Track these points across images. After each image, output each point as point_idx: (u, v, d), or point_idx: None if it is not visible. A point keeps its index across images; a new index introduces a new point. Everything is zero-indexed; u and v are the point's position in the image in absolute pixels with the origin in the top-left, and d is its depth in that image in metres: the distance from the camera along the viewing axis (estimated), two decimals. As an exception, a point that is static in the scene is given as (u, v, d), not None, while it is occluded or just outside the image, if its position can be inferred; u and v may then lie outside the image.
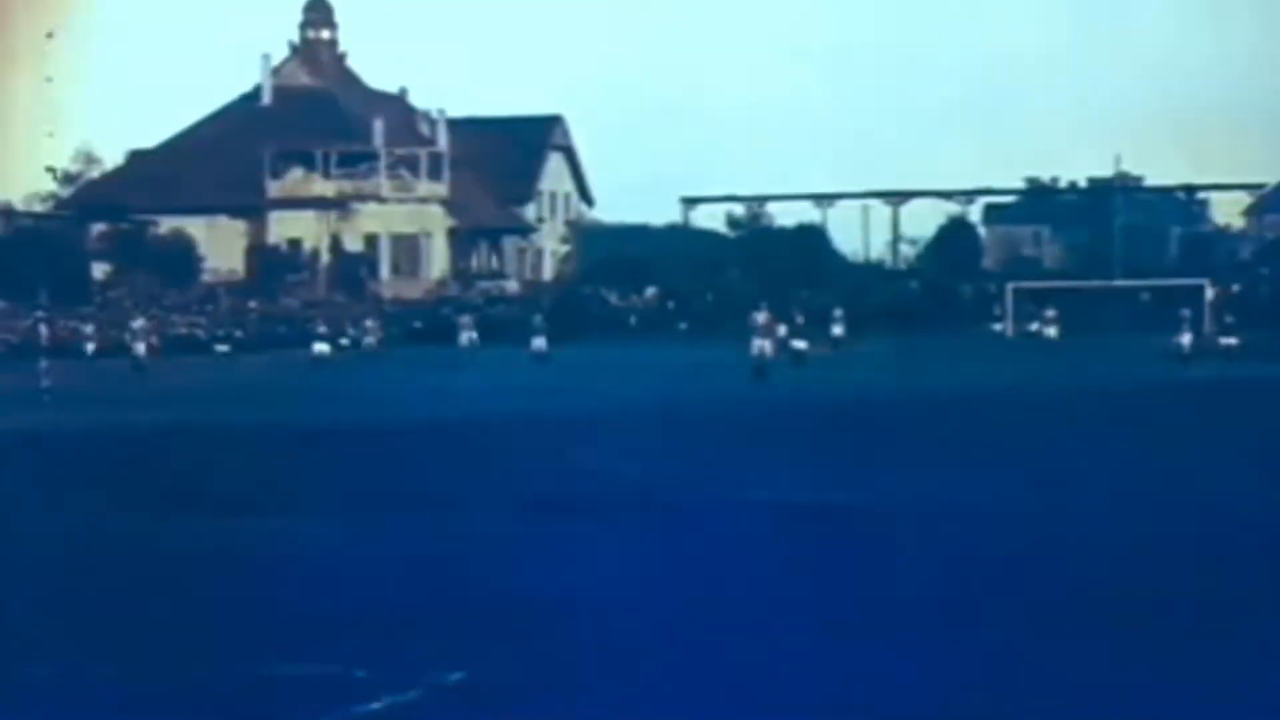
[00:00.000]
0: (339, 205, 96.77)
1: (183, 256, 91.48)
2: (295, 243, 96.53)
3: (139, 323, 66.13)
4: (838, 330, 69.23)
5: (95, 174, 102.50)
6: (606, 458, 26.83)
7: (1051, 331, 70.10)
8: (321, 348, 65.25)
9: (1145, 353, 54.86)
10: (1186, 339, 55.53)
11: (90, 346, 70.68)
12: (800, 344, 56.96)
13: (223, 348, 78.33)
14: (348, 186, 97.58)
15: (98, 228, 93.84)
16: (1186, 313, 57.50)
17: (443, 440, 31.30)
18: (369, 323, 75.80)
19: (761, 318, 52.29)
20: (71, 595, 15.39)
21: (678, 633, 13.49)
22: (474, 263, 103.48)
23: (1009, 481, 23.16)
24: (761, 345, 50.14)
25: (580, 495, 22.07)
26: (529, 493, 22.30)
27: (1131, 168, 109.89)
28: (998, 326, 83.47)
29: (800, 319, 60.13)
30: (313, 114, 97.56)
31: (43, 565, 17.14)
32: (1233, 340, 58.82)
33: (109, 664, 12.63)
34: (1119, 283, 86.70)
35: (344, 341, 72.71)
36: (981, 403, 39.29)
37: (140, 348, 61.16)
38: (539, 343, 61.55)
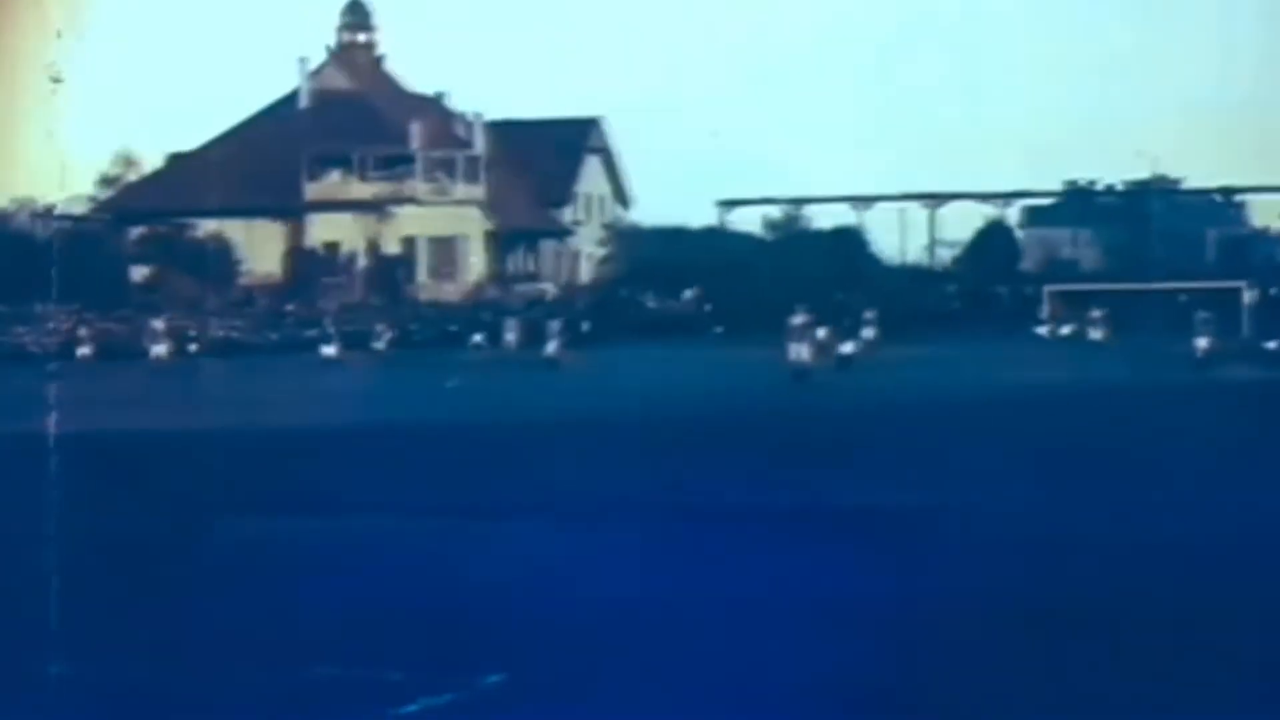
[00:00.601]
0: (376, 208, 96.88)
1: (220, 259, 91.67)
2: (332, 245, 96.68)
3: (158, 324, 65.74)
4: (870, 333, 68.92)
5: (134, 177, 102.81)
6: (638, 464, 26.76)
7: (1097, 334, 69.67)
8: (330, 350, 65.49)
9: (1184, 355, 54.55)
10: (1203, 342, 54.81)
11: (84, 350, 69.80)
12: (847, 348, 56.62)
13: (191, 346, 77.99)
14: (385, 189, 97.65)
15: (136, 230, 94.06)
16: (1205, 315, 56.85)
17: (458, 445, 31.32)
18: (380, 326, 76.01)
19: (799, 320, 51.97)
20: (106, 596, 15.37)
21: (717, 639, 13.42)
22: (511, 266, 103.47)
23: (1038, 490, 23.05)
24: (800, 349, 49.64)
25: (613, 500, 22.03)
26: (555, 499, 22.27)
27: (1169, 170, 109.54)
28: (1040, 329, 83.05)
29: (838, 324, 59.83)
30: (350, 117, 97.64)
31: (69, 567, 17.12)
32: (1272, 344, 58.54)
33: (143, 664, 12.61)
34: (1157, 285, 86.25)
35: (379, 345, 72.60)
36: (1023, 406, 39.11)
37: (160, 350, 60.76)
38: (551, 347, 61.12)
